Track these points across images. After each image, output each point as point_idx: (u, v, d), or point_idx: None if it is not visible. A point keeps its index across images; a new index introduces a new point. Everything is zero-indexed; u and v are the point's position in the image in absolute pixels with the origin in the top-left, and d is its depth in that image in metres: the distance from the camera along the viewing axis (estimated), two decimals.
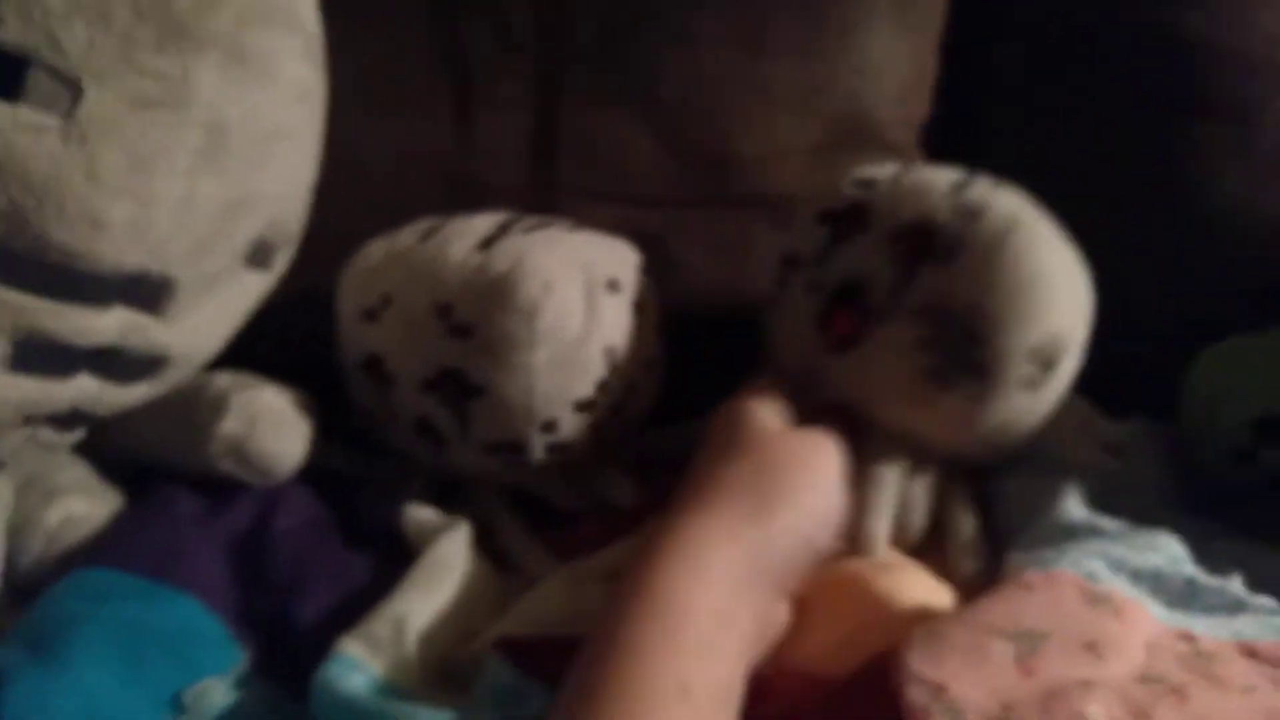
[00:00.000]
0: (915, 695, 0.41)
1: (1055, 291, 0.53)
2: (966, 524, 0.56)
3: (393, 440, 0.62)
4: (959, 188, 0.55)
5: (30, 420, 0.47)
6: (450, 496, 0.62)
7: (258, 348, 0.59)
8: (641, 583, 0.43)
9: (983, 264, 0.52)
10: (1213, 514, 0.60)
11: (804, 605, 0.50)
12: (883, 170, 0.58)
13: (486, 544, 0.57)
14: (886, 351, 0.54)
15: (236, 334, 0.57)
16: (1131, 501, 0.58)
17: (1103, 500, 0.58)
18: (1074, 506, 0.57)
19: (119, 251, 0.43)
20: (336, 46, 0.57)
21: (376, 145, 0.69)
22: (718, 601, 0.43)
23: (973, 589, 0.51)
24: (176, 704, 0.45)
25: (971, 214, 0.53)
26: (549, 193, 0.70)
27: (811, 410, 0.53)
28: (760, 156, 0.73)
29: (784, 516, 0.46)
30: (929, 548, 0.55)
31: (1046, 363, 0.53)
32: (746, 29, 0.73)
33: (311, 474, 0.59)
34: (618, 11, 0.72)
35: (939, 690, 0.42)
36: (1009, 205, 0.54)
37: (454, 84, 0.71)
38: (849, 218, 0.56)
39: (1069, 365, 0.55)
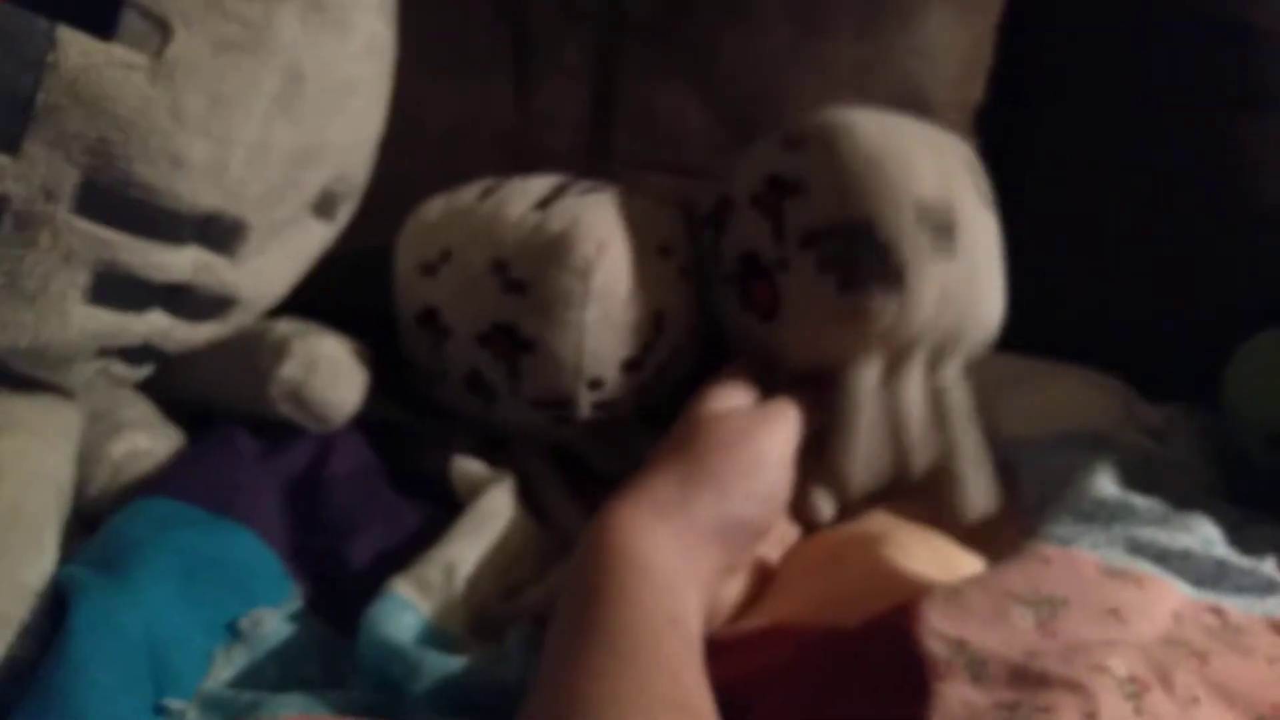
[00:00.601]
0: (937, 648, 0.42)
1: (909, 162, 0.53)
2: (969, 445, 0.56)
3: (442, 396, 0.64)
4: (782, 135, 0.57)
5: (104, 352, 0.48)
6: (495, 454, 0.63)
7: (317, 301, 0.61)
8: (604, 544, 0.45)
9: (829, 174, 0.53)
10: (1248, 501, 0.60)
11: (806, 561, 0.51)
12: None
13: (528, 501, 0.59)
14: (800, 296, 0.55)
15: (298, 285, 0.59)
16: (1168, 484, 0.58)
17: (1139, 482, 0.58)
18: (1107, 483, 0.57)
19: (196, 191, 0.45)
20: (404, 8, 0.58)
21: (438, 107, 0.71)
22: (671, 566, 0.45)
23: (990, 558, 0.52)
24: (231, 630, 0.47)
25: (799, 142, 0.55)
26: (604, 161, 0.72)
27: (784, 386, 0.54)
28: None
29: (706, 498, 0.48)
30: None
31: (942, 225, 0.53)
32: (805, 7, 0.74)
33: (364, 424, 0.61)
34: None
35: (960, 643, 0.42)
36: (828, 119, 0.56)
37: (516, 50, 0.72)
38: (720, 211, 0.59)
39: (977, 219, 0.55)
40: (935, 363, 0.55)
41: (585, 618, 0.42)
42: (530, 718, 0.39)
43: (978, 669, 0.41)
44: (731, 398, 0.53)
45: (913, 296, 0.52)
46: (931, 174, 0.54)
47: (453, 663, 0.44)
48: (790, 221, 0.54)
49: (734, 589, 0.51)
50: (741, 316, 0.58)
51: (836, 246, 0.53)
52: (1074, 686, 0.40)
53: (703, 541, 0.47)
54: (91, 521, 0.50)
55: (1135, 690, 0.41)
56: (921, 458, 0.55)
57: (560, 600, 0.44)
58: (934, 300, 0.53)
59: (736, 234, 0.58)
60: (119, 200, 0.44)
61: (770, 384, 0.55)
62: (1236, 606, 0.49)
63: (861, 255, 0.52)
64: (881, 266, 0.52)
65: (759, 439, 0.50)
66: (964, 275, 0.54)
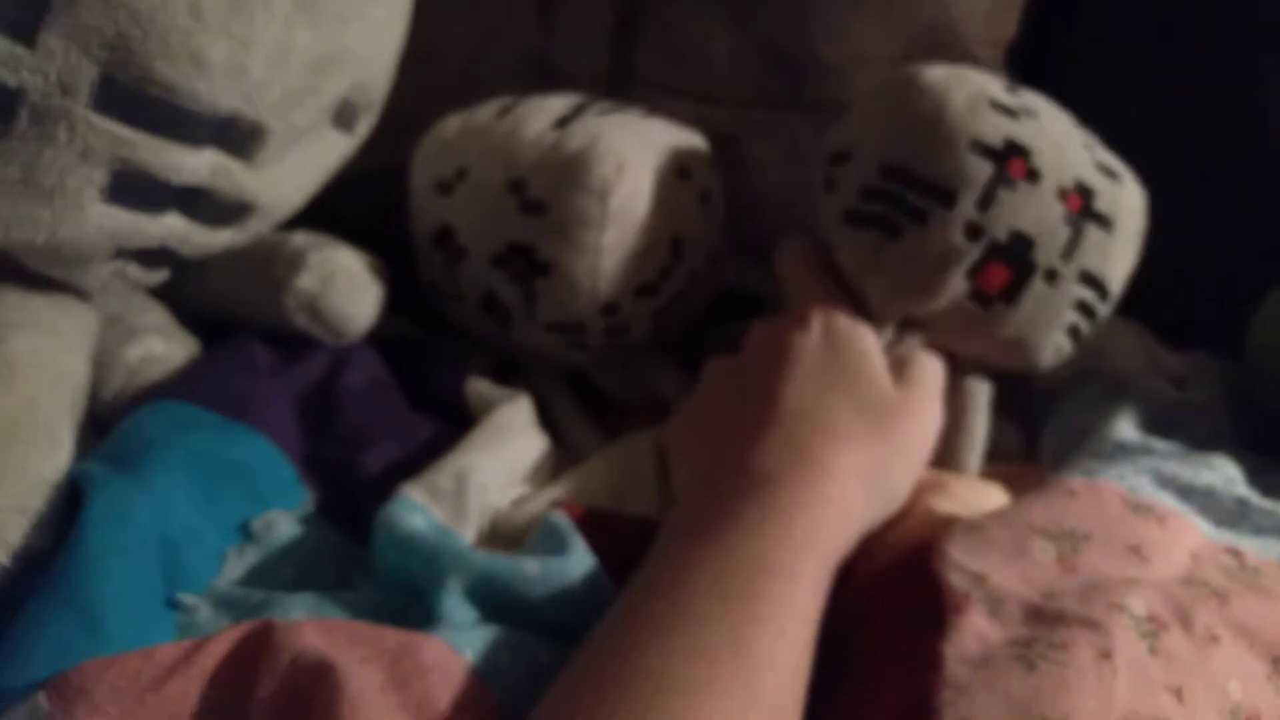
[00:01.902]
0: (956, 581, 0.42)
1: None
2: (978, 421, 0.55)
3: (457, 317, 0.64)
4: (1090, 141, 0.56)
5: (121, 253, 0.48)
6: (509, 376, 0.63)
7: (334, 217, 0.61)
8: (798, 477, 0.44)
9: (1134, 232, 0.56)
10: (1268, 451, 0.60)
11: None
12: (1001, 94, 0.55)
13: (543, 423, 0.59)
14: (1043, 310, 0.54)
15: (315, 200, 0.59)
16: (1189, 430, 0.58)
17: (1160, 427, 0.58)
18: (1127, 427, 0.57)
19: (216, 91, 0.45)
20: None
21: (458, 24, 0.70)
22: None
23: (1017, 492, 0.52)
24: (244, 531, 0.47)
25: (1115, 177, 0.55)
26: (626, 83, 0.71)
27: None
28: (840, 63, 0.73)
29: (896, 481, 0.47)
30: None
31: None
32: None
33: (378, 341, 0.61)
34: None
35: (980, 579, 0.42)
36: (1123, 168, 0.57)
37: None
38: (1009, 158, 0.52)
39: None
40: None
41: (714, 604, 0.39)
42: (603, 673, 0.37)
43: (995, 605, 0.41)
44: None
45: None
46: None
47: (469, 554, 0.44)
48: (1085, 249, 0.53)
49: None
50: (962, 297, 0.53)
51: (1094, 301, 0.55)
52: (1090, 624, 0.40)
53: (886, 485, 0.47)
54: (105, 425, 0.50)
55: (1152, 629, 0.41)
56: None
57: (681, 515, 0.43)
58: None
59: (1026, 208, 0.52)
60: (138, 98, 0.43)
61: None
62: (1253, 549, 0.48)
63: (1095, 318, 0.56)
64: (1089, 331, 0.56)
65: (932, 426, 0.50)
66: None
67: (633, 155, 0.58)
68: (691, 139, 0.63)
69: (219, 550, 0.46)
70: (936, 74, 0.54)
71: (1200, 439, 0.57)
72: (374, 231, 0.62)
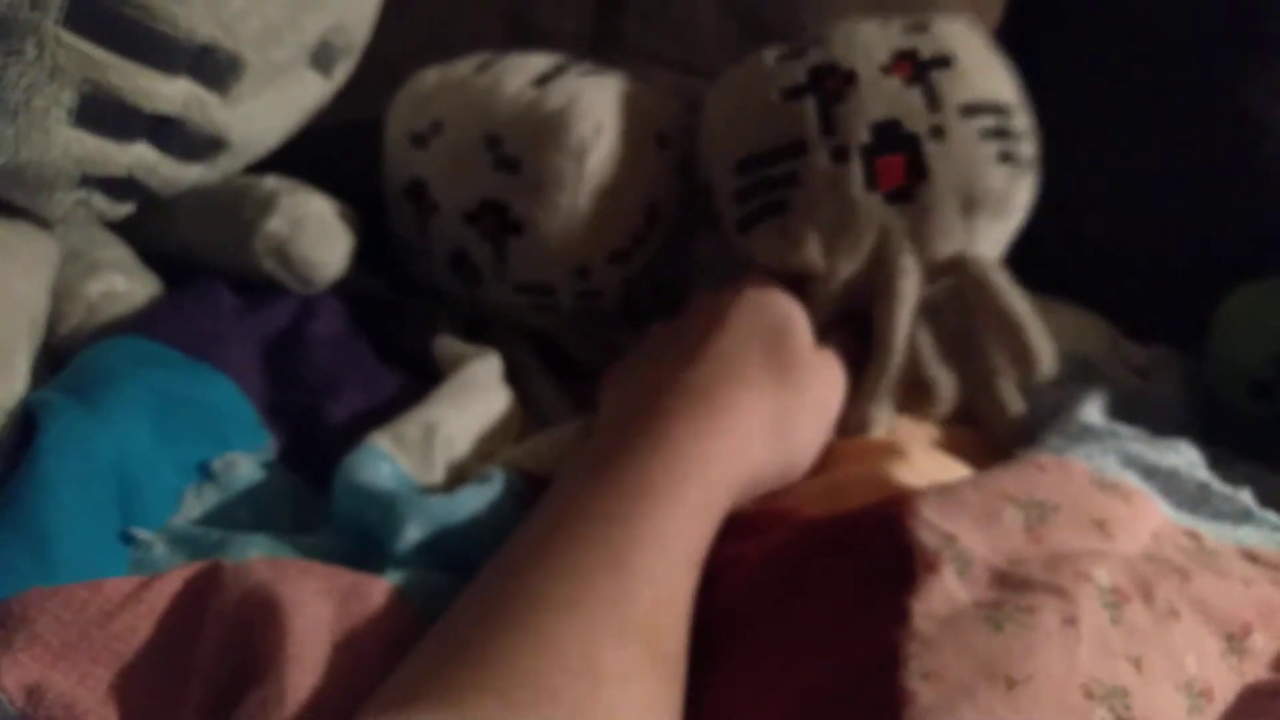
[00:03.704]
0: (927, 538, 0.42)
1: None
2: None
3: (426, 274, 0.63)
4: (894, 22, 0.57)
5: (86, 181, 0.47)
6: (477, 336, 0.62)
7: (307, 166, 0.60)
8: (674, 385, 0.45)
9: (976, 53, 0.56)
10: (1228, 443, 0.61)
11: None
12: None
13: (514, 381, 0.58)
14: (957, 164, 0.54)
15: (288, 148, 0.58)
16: (1151, 420, 0.58)
17: (1123, 413, 0.59)
18: (1093, 410, 0.57)
19: (194, 18, 0.44)
20: None
21: None
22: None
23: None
24: (203, 471, 0.46)
25: (925, 27, 0.56)
26: (609, 48, 0.70)
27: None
28: None
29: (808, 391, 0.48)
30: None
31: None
32: None
33: (346, 295, 0.60)
34: None
35: (950, 538, 0.42)
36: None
37: None
38: (832, 81, 0.55)
39: None
40: None
41: (594, 527, 0.39)
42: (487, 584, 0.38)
43: (963, 566, 0.41)
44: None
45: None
46: None
47: (428, 503, 0.44)
48: (944, 91, 0.54)
49: None
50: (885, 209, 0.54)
51: (996, 121, 0.54)
52: (1057, 591, 0.40)
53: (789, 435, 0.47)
54: (61, 361, 0.49)
55: (1115, 600, 0.41)
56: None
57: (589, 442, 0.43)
58: None
59: (867, 104, 0.54)
60: (112, 17, 0.42)
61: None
62: (1210, 533, 0.49)
63: (1014, 134, 0.54)
64: (1029, 149, 0.55)
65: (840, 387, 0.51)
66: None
67: (612, 118, 0.57)
68: (672, 107, 0.63)
69: (177, 488, 0.45)
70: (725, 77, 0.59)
71: (1161, 429, 0.58)
72: (346, 185, 0.61)
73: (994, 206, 0.55)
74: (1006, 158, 0.54)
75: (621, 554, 0.38)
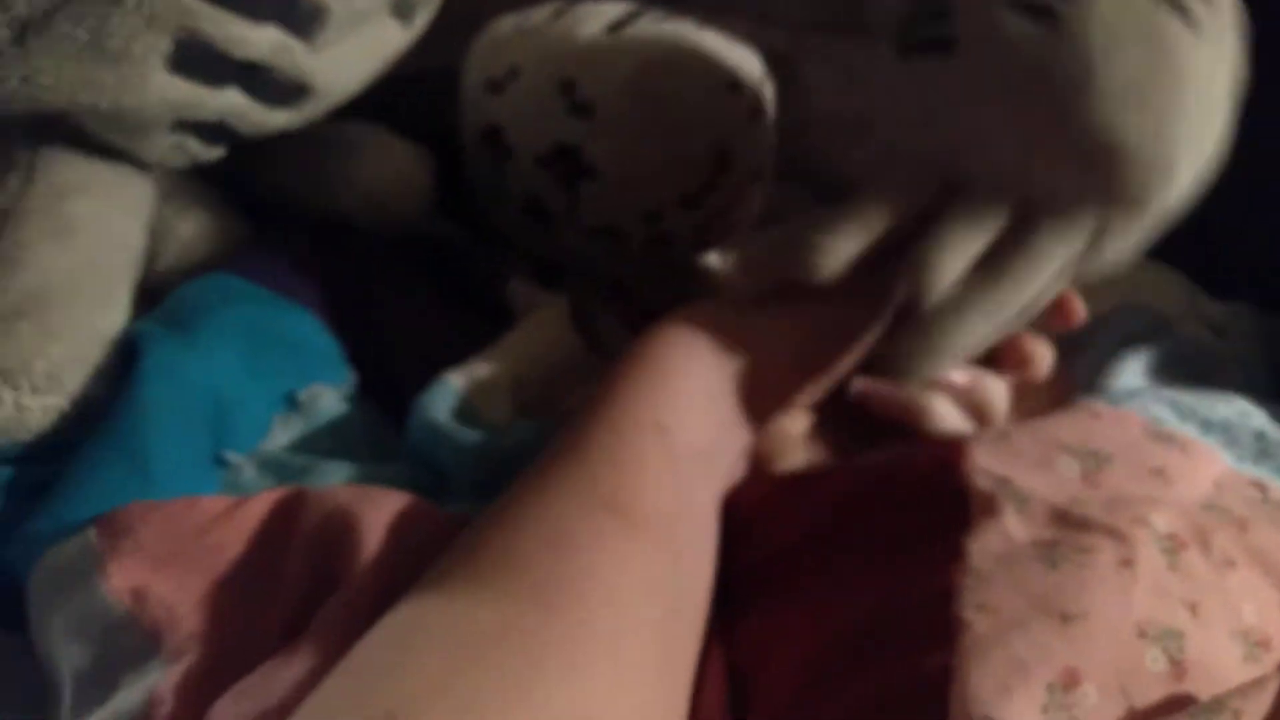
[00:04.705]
0: (981, 482, 0.42)
1: None
2: None
3: (502, 220, 0.64)
4: None
5: (180, 125, 0.49)
6: (553, 281, 0.64)
7: (389, 113, 0.62)
8: (631, 351, 0.43)
9: None
10: None
11: None
12: None
13: (582, 329, 0.60)
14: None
15: (370, 95, 0.59)
16: (1223, 376, 0.58)
17: (1195, 370, 0.58)
18: (1153, 365, 0.57)
19: None
20: None
21: None
22: (692, 381, 0.43)
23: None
24: (290, 400, 0.49)
25: None
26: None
27: None
28: None
29: (781, 328, 0.45)
30: None
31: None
32: None
33: (423, 240, 0.62)
34: None
35: (1005, 480, 0.43)
36: None
37: None
38: None
39: None
40: None
41: (585, 411, 0.41)
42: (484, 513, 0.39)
43: (1020, 504, 0.42)
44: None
45: None
46: None
47: (491, 440, 0.46)
48: None
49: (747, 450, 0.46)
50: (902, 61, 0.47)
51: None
52: (1114, 533, 0.40)
53: (756, 377, 0.44)
54: (157, 296, 0.52)
55: (1172, 546, 0.41)
56: None
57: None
58: None
59: None
60: None
61: None
62: (1278, 485, 0.49)
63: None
64: None
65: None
66: None
67: (684, 63, 0.58)
68: (745, 55, 0.63)
69: (266, 416, 0.47)
70: None
71: (1233, 386, 0.57)
72: (426, 131, 0.63)
73: None
74: None
75: (583, 435, 0.40)
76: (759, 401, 0.44)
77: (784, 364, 0.45)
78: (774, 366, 0.44)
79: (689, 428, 0.41)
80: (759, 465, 0.46)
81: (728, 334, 0.45)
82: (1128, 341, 0.59)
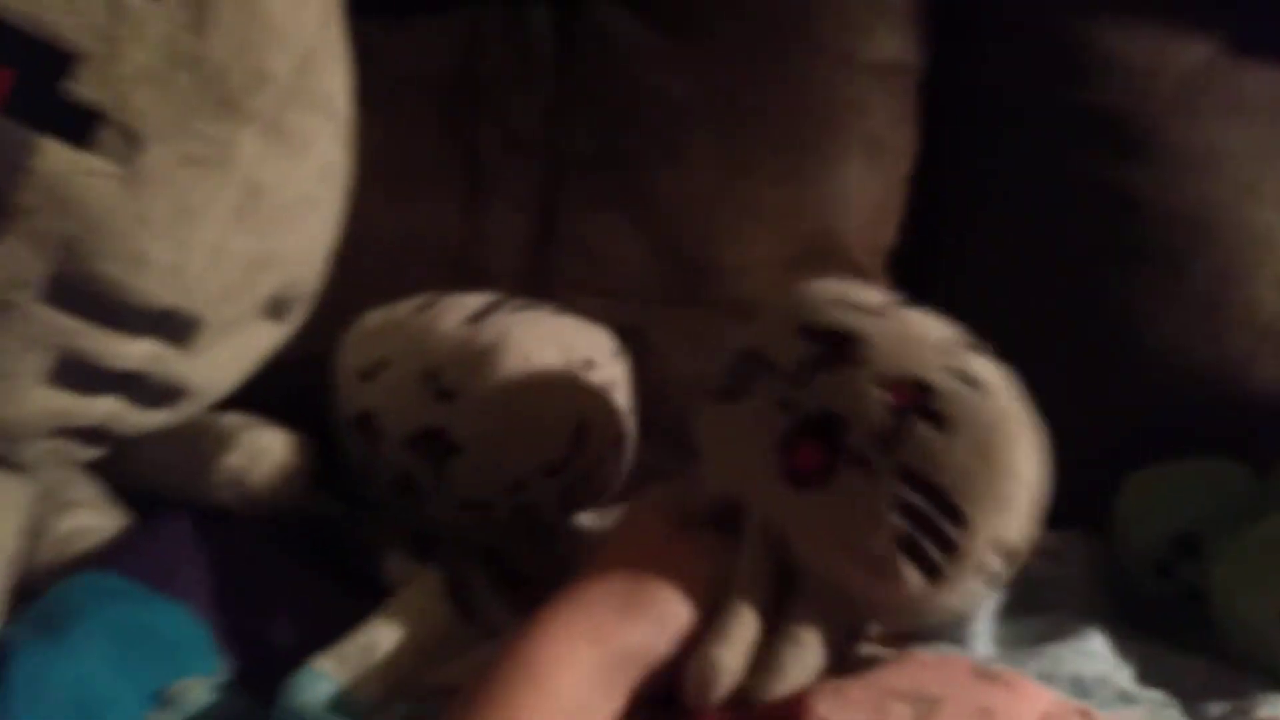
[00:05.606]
0: None
1: (1030, 491, 0.52)
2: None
3: (376, 493, 0.68)
4: (955, 348, 0.54)
5: (60, 432, 0.52)
6: (427, 551, 0.66)
7: (264, 398, 0.65)
8: (523, 654, 0.46)
9: (981, 444, 0.50)
10: (1135, 621, 0.65)
11: None
12: (865, 297, 0.57)
13: (458, 597, 0.62)
14: (855, 504, 0.51)
15: (247, 382, 0.63)
16: (1060, 603, 0.62)
17: (1036, 601, 0.63)
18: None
19: (156, 288, 0.49)
20: (359, 126, 0.63)
21: (388, 225, 0.76)
22: (580, 688, 0.47)
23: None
24: (159, 698, 0.50)
25: (974, 384, 0.51)
26: (544, 282, 0.77)
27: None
28: (739, 266, 0.80)
29: (644, 629, 0.49)
30: None
31: (1010, 560, 0.52)
32: (733, 151, 0.81)
33: (302, 517, 0.64)
34: (617, 127, 0.80)
35: None
36: (1002, 384, 0.53)
37: (465, 178, 0.79)
38: (836, 344, 0.53)
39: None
40: None
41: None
42: None
43: None
44: (666, 521, 0.55)
45: (937, 595, 0.51)
46: (1029, 519, 0.53)
47: None
48: (911, 441, 0.50)
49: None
50: (759, 445, 0.54)
51: (932, 506, 0.50)
52: None
53: (624, 674, 0.48)
54: (36, 592, 0.53)
55: None
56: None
57: (468, 686, 0.46)
58: (940, 609, 0.53)
59: (843, 387, 0.52)
60: (84, 293, 0.48)
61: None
62: (1104, 712, 0.53)
63: (944, 533, 0.50)
64: (948, 556, 0.50)
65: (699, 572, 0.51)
66: (971, 601, 0.55)
67: (539, 348, 0.64)
68: (597, 334, 0.69)
69: (137, 715, 0.48)
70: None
71: (1070, 610, 0.62)
72: (302, 413, 0.66)
73: (864, 568, 0.52)
74: (912, 549, 0.50)
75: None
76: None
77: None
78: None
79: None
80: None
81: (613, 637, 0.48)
82: None
